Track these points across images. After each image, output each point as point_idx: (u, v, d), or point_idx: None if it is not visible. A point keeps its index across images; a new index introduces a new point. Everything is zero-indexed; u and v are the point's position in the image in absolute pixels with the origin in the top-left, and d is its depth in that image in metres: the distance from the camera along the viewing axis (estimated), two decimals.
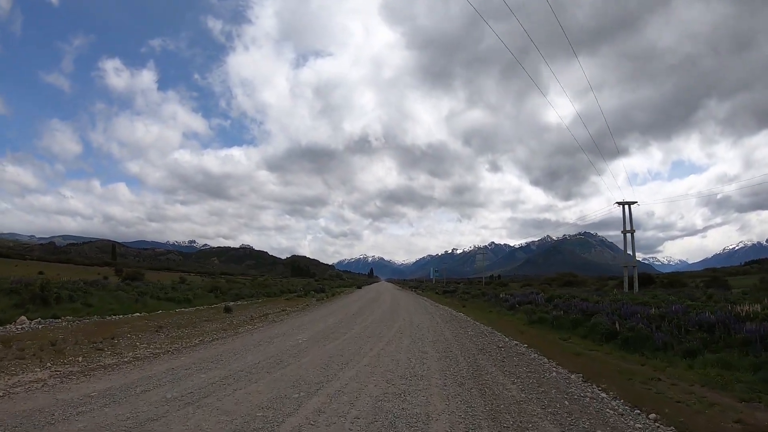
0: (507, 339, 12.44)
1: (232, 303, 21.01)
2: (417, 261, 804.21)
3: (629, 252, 32.32)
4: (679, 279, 48.51)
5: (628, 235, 32.00)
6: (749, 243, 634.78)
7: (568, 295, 22.20)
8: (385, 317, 17.56)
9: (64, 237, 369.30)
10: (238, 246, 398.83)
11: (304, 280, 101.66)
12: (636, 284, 31.07)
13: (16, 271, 31.62)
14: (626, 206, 31.85)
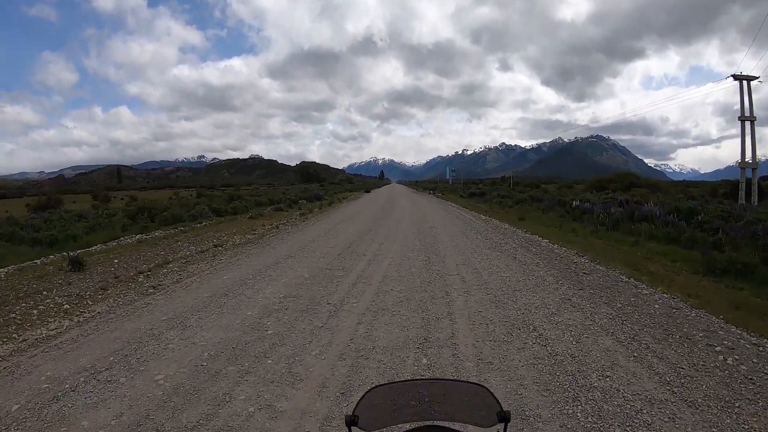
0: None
1: (126, 239, 13.00)
2: (427, 162, 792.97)
3: (748, 147, 22.41)
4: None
5: (748, 123, 22.17)
6: (763, 158, 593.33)
7: (688, 208, 13.75)
8: (415, 257, 9.18)
9: (74, 168, 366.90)
10: (247, 157, 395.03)
11: (312, 185, 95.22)
12: (755, 195, 21.83)
13: None
14: (744, 82, 21.70)
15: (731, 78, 21.34)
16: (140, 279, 7.54)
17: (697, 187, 50.12)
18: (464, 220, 16.82)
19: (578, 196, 20.88)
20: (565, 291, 6.22)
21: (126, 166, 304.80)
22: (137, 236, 13.14)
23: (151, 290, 6.72)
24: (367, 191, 59.03)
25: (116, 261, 9.22)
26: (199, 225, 15.72)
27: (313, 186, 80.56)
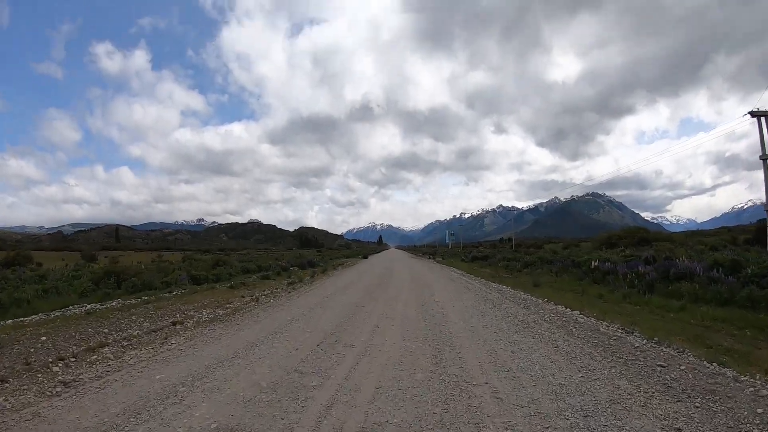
0: None
1: (75, 309, 11.03)
2: (425, 227, 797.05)
3: None
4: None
5: None
6: (758, 201, 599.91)
7: (731, 261, 11.79)
8: (420, 351, 7.09)
9: (73, 225, 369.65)
10: (246, 221, 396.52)
11: (309, 251, 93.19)
12: None
13: None
14: (763, 119, 20.68)
15: (748, 115, 20.12)
16: (56, 368, 5.72)
17: (710, 236, 48.27)
18: (473, 290, 14.69)
19: (591, 254, 18.97)
20: (662, 409, 4.03)
21: (125, 226, 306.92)
22: (89, 306, 11.10)
23: (58, 389, 4.92)
24: (365, 257, 55.70)
25: (44, 338, 7.38)
26: (168, 295, 13.64)
27: (310, 252, 78.70)
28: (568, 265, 18.62)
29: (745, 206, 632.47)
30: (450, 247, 60.85)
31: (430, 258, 51.31)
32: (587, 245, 40.48)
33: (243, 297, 13.41)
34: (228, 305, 11.69)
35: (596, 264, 16.02)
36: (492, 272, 22.53)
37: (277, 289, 15.83)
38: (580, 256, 19.36)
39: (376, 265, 35.85)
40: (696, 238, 39.59)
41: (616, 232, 34.10)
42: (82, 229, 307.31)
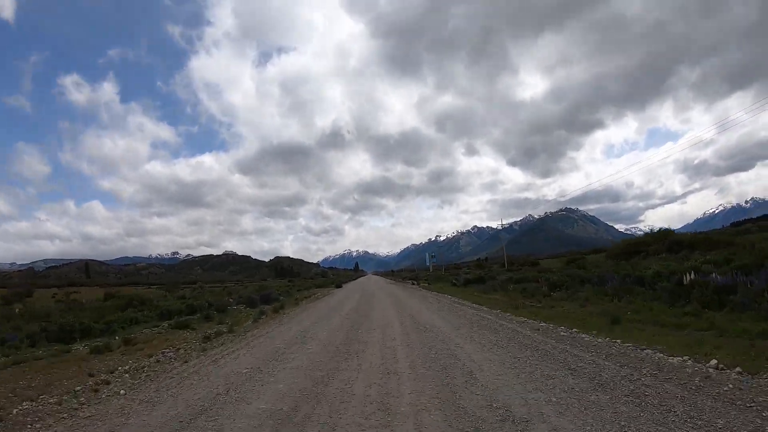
0: None
1: None
2: (401, 251, 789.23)
3: None
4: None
5: None
6: (728, 205, 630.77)
7: None
8: None
9: (46, 261, 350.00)
10: (221, 253, 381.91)
11: (283, 281, 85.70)
12: None
13: None
14: None
15: None
16: None
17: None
18: (517, 341, 8.40)
19: (650, 266, 13.20)
20: None
21: (98, 261, 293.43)
22: None
23: None
24: (338, 286, 47.43)
25: None
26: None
27: (281, 283, 71.38)
28: (627, 282, 12.84)
29: (717, 210, 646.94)
30: (431, 270, 54.18)
31: (413, 284, 43.88)
32: (596, 258, 35.22)
33: (91, 375, 6.93)
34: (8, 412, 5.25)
35: (692, 278, 10.22)
36: (506, 300, 16.52)
37: (177, 350, 9.24)
38: (640, 270, 13.62)
39: (351, 295, 28.41)
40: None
41: (637, 238, 28.78)
42: (54, 264, 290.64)
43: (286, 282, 77.47)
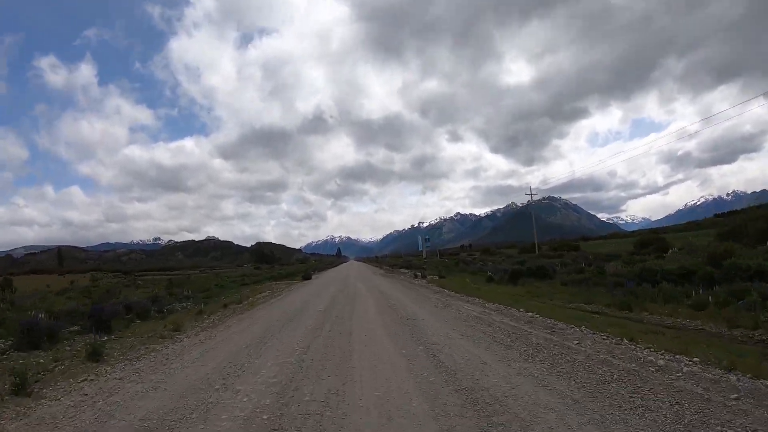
0: None
1: None
2: (384, 237, 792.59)
3: None
4: None
5: None
6: (710, 198, 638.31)
7: None
8: None
9: (26, 248, 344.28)
10: (203, 238, 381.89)
11: (263, 267, 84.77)
12: None
13: None
14: None
15: None
16: None
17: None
18: None
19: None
20: None
21: (78, 247, 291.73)
22: None
23: None
24: (307, 278, 35.32)
25: None
26: None
27: (256, 270, 72.45)
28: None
29: (698, 202, 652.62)
30: (425, 256, 49.40)
31: (415, 276, 30.95)
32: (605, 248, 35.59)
33: None
34: None
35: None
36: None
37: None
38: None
39: (324, 292, 20.32)
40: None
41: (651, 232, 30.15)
42: (34, 251, 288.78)
43: (252, 269, 75.22)
